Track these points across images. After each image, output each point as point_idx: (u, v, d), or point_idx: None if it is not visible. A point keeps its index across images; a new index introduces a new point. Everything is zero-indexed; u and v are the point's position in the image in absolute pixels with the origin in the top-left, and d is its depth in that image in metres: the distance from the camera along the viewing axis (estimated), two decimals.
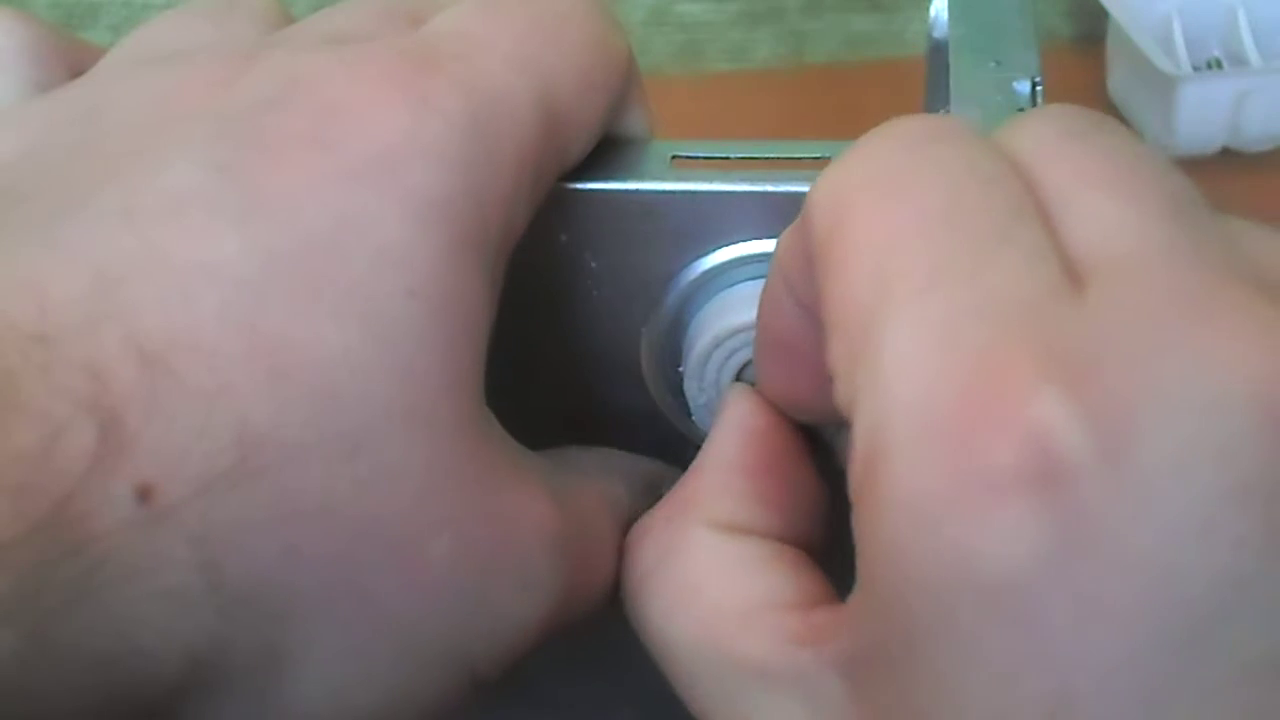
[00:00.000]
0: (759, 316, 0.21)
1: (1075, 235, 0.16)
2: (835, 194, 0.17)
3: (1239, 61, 0.57)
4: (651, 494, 0.23)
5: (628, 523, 0.22)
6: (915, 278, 0.15)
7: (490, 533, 0.18)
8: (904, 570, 0.14)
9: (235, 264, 0.17)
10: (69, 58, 0.23)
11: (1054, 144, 0.17)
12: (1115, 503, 0.13)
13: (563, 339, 0.24)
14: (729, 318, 0.23)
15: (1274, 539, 0.13)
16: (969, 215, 0.16)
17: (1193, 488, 0.13)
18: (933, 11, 0.27)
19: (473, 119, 0.19)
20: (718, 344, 0.23)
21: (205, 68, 0.20)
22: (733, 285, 0.23)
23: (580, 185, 0.23)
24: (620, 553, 0.22)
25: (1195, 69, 0.57)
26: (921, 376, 0.14)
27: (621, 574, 0.21)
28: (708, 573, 0.19)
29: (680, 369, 0.24)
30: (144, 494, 0.15)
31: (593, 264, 0.23)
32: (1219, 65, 0.57)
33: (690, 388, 0.24)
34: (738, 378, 0.23)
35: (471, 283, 0.19)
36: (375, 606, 0.17)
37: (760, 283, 0.23)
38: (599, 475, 0.22)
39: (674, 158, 0.23)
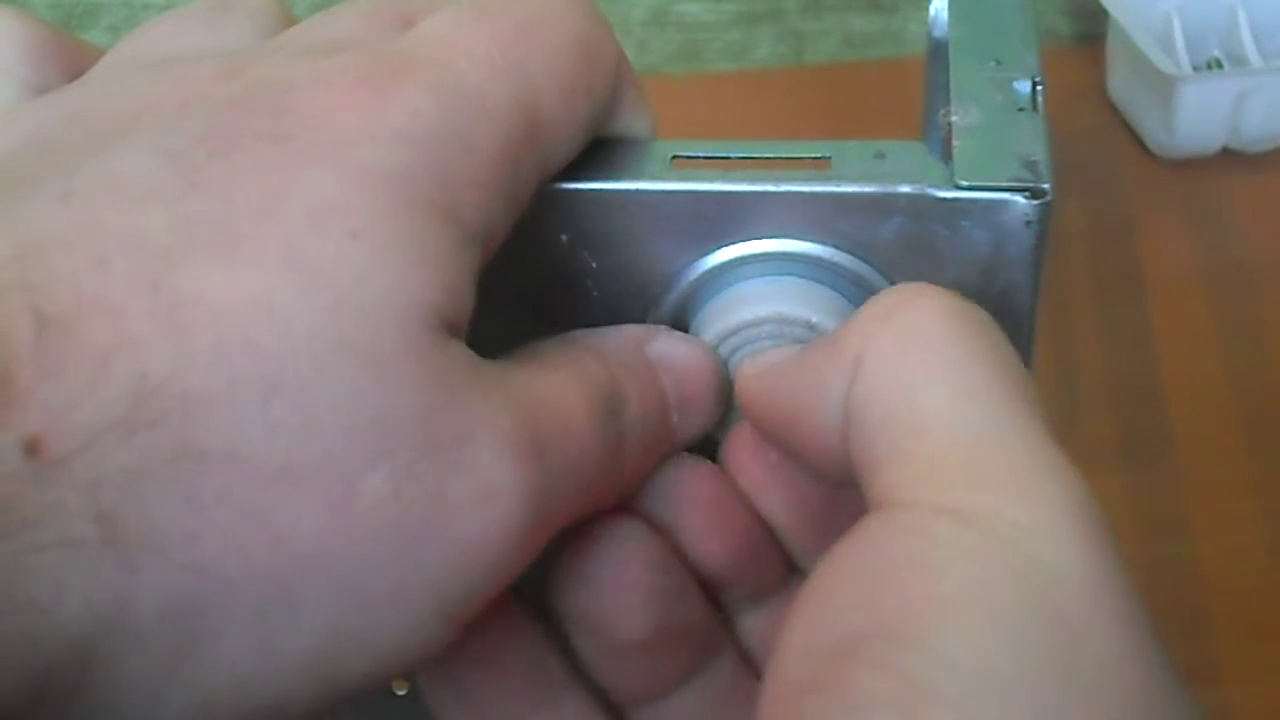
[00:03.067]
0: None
1: None
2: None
3: (1239, 61, 0.57)
4: (632, 354, 0.23)
5: (608, 396, 0.21)
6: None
7: (438, 459, 0.18)
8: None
9: (156, 234, 0.17)
10: (67, 59, 0.23)
11: None
12: None
13: None
14: (730, 316, 0.23)
15: None
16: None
17: None
18: (932, 11, 0.27)
19: (442, 114, 0.19)
20: (720, 342, 0.23)
21: (189, 75, 0.20)
22: (734, 284, 0.23)
23: (581, 185, 0.23)
24: (602, 438, 0.21)
25: (1195, 69, 0.57)
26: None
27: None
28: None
29: None
30: (32, 446, 0.15)
31: (593, 264, 0.23)
32: (1219, 65, 0.57)
33: None
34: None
35: (432, 233, 0.18)
36: (297, 551, 0.17)
37: (764, 281, 0.23)
38: (565, 359, 0.22)
39: (674, 158, 0.23)
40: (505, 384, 0.19)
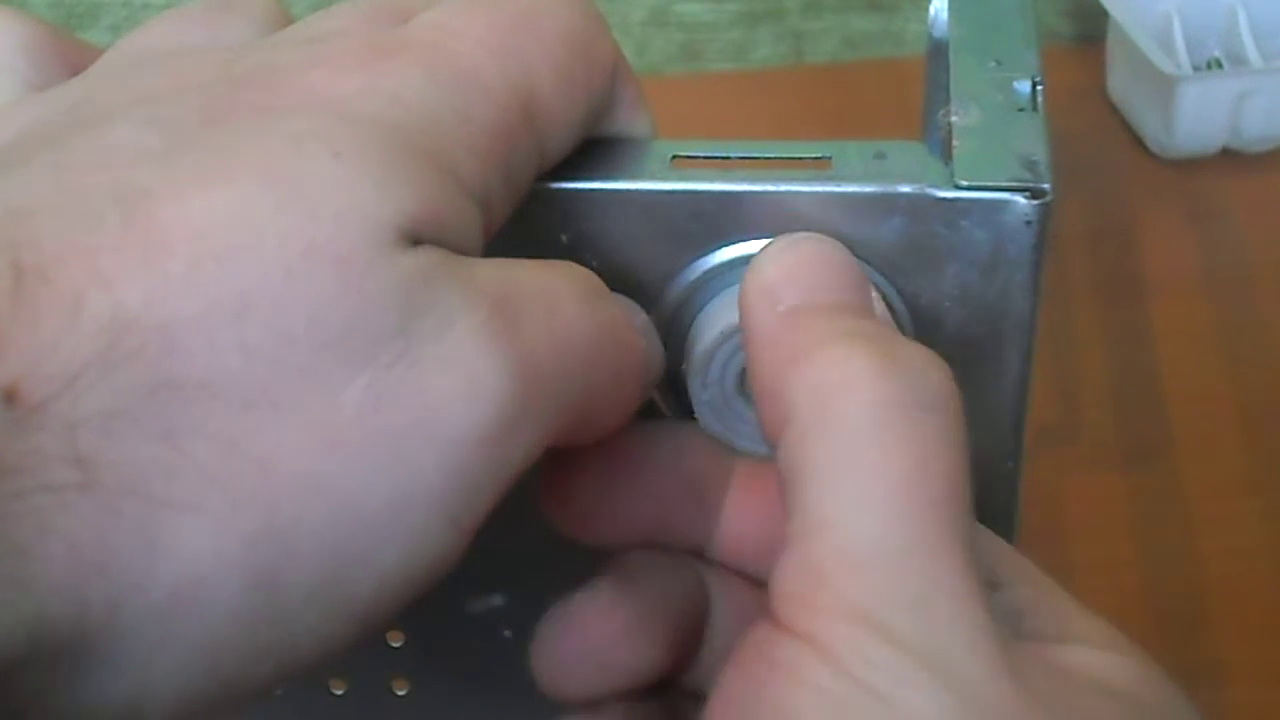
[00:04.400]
0: None
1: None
2: None
3: (1239, 61, 0.57)
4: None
5: (594, 283, 0.21)
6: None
7: (417, 356, 0.17)
8: None
9: (141, 184, 0.17)
10: (68, 58, 0.23)
11: None
12: None
13: None
14: (734, 314, 0.23)
15: None
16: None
17: None
18: (932, 11, 0.27)
19: (436, 87, 0.19)
20: (723, 341, 0.23)
21: (188, 67, 0.20)
22: (736, 284, 0.23)
23: (581, 185, 0.23)
24: (594, 317, 0.20)
25: (1195, 69, 0.57)
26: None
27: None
28: None
29: (683, 366, 0.24)
30: (9, 394, 0.15)
31: (593, 264, 0.23)
32: (1219, 65, 0.57)
33: (694, 385, 0.24)
34: (740, 376, 0.23)
35: (417, 167, 0.18)
36: (283, 475, 0.17)
37: None
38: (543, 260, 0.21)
39: (674, 158, 0.23)
40: (483, 274, 0.19)
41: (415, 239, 0.18)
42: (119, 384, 0.16)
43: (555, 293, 0.20)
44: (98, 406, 0.16)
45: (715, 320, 0.23)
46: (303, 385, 0.17)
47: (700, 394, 0.24)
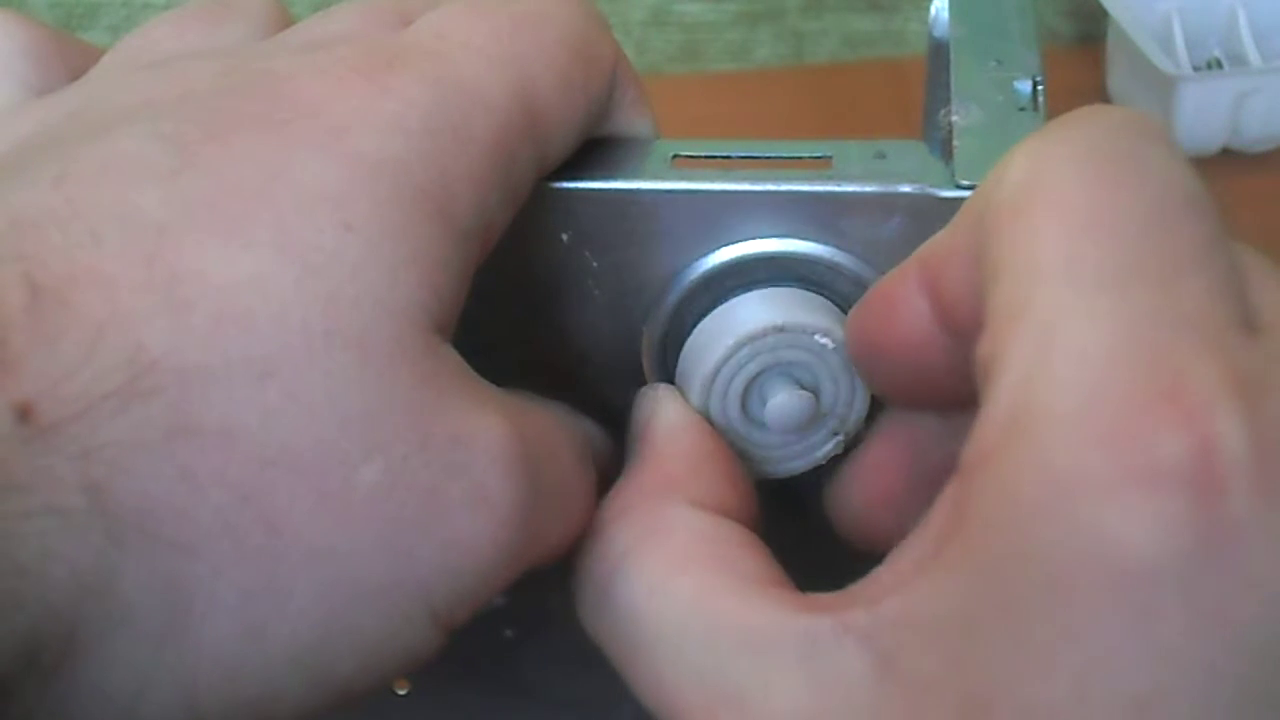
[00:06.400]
0: (865, 322, 0.21)
1: (1256, 288, 0.16)
2: (1037, 158, 0.17)
3: (1239, 61, 0.57)
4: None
5: (584, 440, 0.22)
6: (1108, 268, 0.16)
7: (433, 456, 0.18)
8: (1026, 538, 0.15)
9: (149, 209, 0.17)
10: (69, 60, 0.23)
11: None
12: (1258, 528, 0.14)
13: (564, 338, 0.25)
14: (739, 329, 0.23)
15: None
16: (1171, 226, 0.16)
17: None
18: (933, 11, 0.27)
19: (438, 104, 0.19)
20: (730, 355, 0.23)
21: (189, 71, 0.20)
22: (733, 295, 0.23)
23: (582, 185, 0.23)
24: (584, 475, 0.22)
25: (1195, 69, 0.57)
26: (1098, 362, 0.15)
27: (591, 560, 0.21)
28: (697, 547, 0.20)
29: (679, 371, 0.24)
30: (24, 411, 0.16)
31: (594, 263, 0.23)
32: (1219, 65, 0.57)
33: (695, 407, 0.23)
34: (744, 392, 0.23)
35: (425, 229, 0.19)
36: (290, 537, 0.17)
37: (764, 292, 0.23)
38: (562, 411, 0.22)
39: (675, 157, 0.23)
40: (498, 400, 0.19)
41: (425, 324, 0.18)
42: (137, 419, 0.16)
43: (558, 441, 0.21)
44: (114, 437, 0.16)
45: (717, 338, 0.23)
46: (320, 455, 0.17)
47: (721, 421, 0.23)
